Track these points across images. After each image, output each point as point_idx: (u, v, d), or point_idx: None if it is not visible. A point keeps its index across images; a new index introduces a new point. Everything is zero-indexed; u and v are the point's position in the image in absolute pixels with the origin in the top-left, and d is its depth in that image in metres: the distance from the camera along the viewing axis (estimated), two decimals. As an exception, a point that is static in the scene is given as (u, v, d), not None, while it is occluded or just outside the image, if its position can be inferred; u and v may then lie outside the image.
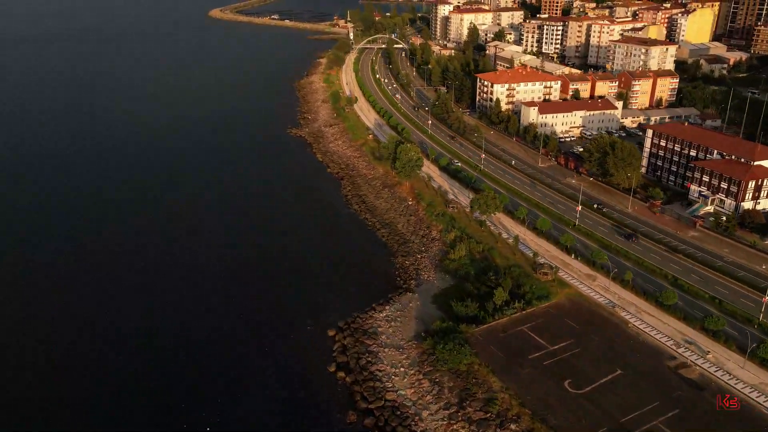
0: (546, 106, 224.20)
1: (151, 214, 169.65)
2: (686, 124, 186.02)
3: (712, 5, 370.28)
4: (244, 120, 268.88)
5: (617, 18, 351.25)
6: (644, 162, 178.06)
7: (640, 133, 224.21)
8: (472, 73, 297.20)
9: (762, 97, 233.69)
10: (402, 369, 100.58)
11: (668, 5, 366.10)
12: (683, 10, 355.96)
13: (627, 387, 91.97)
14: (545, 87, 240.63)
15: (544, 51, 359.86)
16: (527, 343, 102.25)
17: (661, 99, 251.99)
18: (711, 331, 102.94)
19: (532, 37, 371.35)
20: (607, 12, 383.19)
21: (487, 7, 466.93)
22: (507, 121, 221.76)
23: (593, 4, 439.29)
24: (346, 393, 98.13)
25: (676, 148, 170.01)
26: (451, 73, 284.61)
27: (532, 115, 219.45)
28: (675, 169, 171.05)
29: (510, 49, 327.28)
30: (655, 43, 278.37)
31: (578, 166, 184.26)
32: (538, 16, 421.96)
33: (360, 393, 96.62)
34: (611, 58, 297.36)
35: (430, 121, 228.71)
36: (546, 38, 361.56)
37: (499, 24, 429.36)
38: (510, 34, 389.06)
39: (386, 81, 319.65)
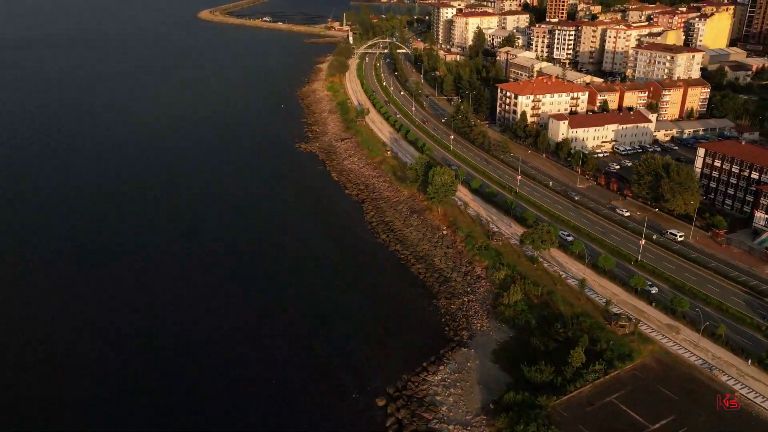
0: (577, 119, 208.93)
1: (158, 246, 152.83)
2: (743, 142, 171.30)
3: (727, 9, 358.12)
4: (248, 133, 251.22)
5: (636, 23, 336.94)
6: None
7: (675, 148, 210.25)
8: (483, 80, 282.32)
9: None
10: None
11: (684, 9, 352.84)
12: (699, 14, 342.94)
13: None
14: (572, 98, 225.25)
15: (555, 57, 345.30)
16: (621, 420, 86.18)
17: (691, 110, 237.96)
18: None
19: (542, 42, 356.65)
20: (619, 16, 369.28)
21: (491, 11, 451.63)
22: (536, 136, 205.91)
23: (598, 8, 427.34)
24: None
25: (734, 170, 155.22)
26: (465, 81, 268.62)
27: (562, 130, 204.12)
28: (733, 193, 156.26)
29: (523, 56, 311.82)
30: (681, 50, 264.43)
31: (621, 188, 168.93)
32: (547, 20, 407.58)
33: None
34: (633, 65, 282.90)
35: (452, 137, 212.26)
36: (557, 43, 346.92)
37: (504, 28, 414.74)
38: (518, 38, 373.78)
39: (394, 89, 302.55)
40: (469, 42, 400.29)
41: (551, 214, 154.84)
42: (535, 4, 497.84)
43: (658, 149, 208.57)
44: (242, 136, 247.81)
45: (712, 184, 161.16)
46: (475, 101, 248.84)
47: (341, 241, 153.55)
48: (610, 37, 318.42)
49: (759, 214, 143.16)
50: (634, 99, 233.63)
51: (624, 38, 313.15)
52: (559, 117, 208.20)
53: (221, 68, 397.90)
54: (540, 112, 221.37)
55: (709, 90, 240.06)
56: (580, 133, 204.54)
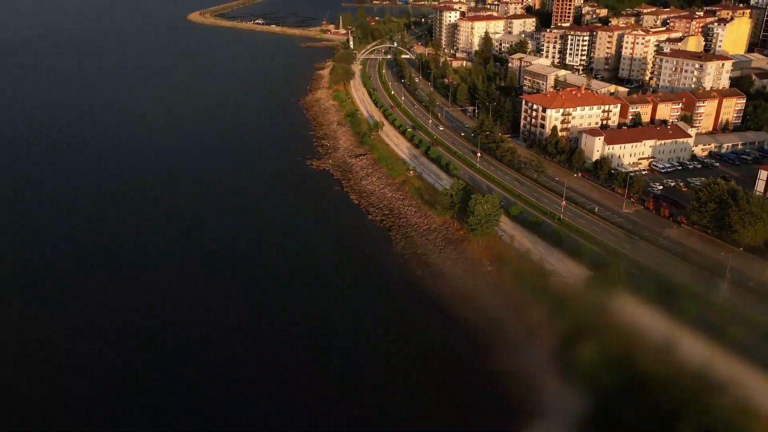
0: (613, 134, 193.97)
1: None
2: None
3: (743, 13, 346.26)
4: (254, 148, 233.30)
5: (651, 28, 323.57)
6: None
7: (716, 164, 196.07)
8: (500, 90, 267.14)
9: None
10: None
11: (701, 13, 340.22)
12: (716, 18, 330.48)
13: None
14: (603, 111, 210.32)
15: (567, 63, 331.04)
16: None
17: (726, 122, 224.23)
18: None
19: (554, 47, 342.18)
20: (632, 20, 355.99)
21: (496, 14, 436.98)
22: (570, 153, 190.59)
23: (604, 11, 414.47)
24: None
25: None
26: (482, 92, 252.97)
27: (597, 146, 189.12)
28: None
29: (539, 63, 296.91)
30: (710, 57, 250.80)
31: (674, 213, 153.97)
32: (554, 24, 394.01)
33: None
34: (656, 73, 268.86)
35: (479, 154, 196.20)
36: (570, 49, 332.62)
37: (510, 32, 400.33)
38: (527, 43, 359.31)
39: (405, 99, 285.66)
40: (475, 47, 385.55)
41: (603, 245, 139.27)
42: (537, 7, 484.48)
43: (699, 166, 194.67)
44: (248, 150, 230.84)
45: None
46: (495, 113, 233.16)
47: (371, 277, 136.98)
48: (627, 42, 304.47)
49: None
50: (668, 111, 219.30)
51: (642, 44, 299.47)
52: (593, 132, 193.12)
53: (218, 76, 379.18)
54: (570, 126, 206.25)
55: (744, 100, 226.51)
56: (616, 149, 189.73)
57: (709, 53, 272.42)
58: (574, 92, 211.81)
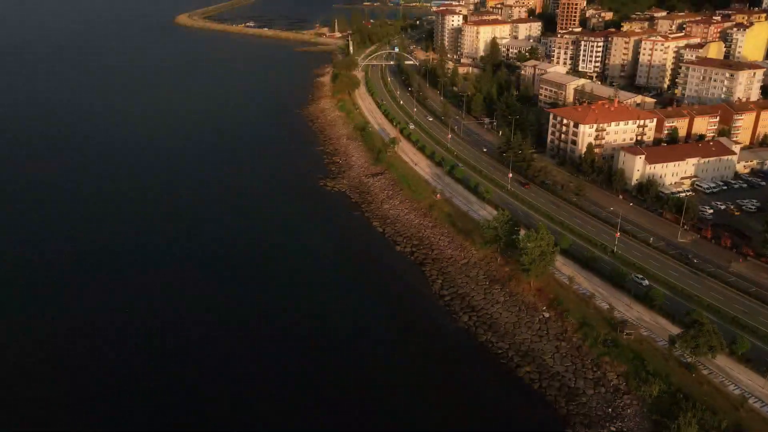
0: (654, 152, 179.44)
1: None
2: None
3: (759, 17, 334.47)
4: (261, 165, 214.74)
5: (670, 34, 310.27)
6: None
7: (763, 183, 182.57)
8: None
9: None
10: None
11: (718, 18, 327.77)
12: (734, 23, 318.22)
13: None
14: (638, 126, 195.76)
15: (580, 70, 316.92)
16: None
17: (764, 136, 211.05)
18: None
19: (565, 53, 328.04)
20: (646, 25, 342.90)
21: (500, 18, 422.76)
22: (608, 173, 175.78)
23: (610, 14, 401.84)
24: None
25: None
26: (501, 103, 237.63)
27: (637, 165, 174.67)
28: None
29: (554, 71, 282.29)
30: (740, 66, 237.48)
31: (739, 245, 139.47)
32: (561, 29, 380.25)
33: None
34: (681, 81, 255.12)
35: (510, 175, 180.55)
36: (584, 55, 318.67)
37: (516, 37, 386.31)
38: (538, 49, 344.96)
39: (416, 110, 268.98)
40: (480, 52, 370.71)
41: (669, 284, 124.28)
42: (539, 11, 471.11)
43: (744, 185, 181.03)
44: (252, 160, 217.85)
45: None
46: (518, 126, 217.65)
47: (415, 327, 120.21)
48: (645, 49, 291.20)
49: None
50: (704, 125, 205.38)
51: (661, 50, 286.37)
52: (632, 150, 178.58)
53: (213, 87, 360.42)
54: (603, 142, 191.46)
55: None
56: (658, 168, 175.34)
57: (737, 61, 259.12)
58: (606, 105, 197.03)
